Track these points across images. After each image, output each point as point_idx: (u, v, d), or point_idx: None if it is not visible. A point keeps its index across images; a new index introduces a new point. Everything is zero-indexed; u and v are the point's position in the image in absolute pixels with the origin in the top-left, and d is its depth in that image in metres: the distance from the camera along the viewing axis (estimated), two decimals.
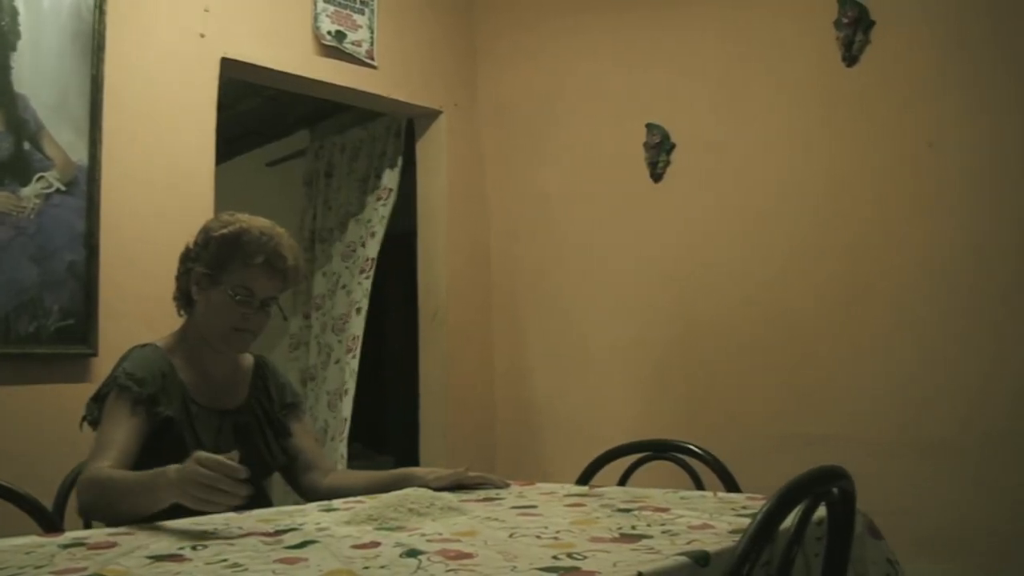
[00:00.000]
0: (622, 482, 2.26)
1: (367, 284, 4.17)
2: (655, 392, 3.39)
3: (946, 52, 2.74)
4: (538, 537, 1.33)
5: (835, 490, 1.29)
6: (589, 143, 3.67)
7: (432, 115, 3.95)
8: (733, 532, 1.33)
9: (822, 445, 2.84)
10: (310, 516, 1.63)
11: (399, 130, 4.25)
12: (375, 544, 1.32)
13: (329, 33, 3.45)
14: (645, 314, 3.44)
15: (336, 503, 1.79)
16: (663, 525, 1.42)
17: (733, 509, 1.58)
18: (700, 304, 3.29)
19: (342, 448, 4.02)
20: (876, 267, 2.85)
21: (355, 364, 4.12)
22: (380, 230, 4.18)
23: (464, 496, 1.84)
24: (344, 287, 4.40)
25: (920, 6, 2.80)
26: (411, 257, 4.08)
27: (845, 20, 2.93)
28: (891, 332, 2.80)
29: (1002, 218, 2.60)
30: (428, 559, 1.19)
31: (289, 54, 3.37)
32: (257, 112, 4.72)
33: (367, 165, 4.45)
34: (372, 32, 3.62)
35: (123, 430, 1.78)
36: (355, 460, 4.33)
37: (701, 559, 1.16)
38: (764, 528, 1.07)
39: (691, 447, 2.20)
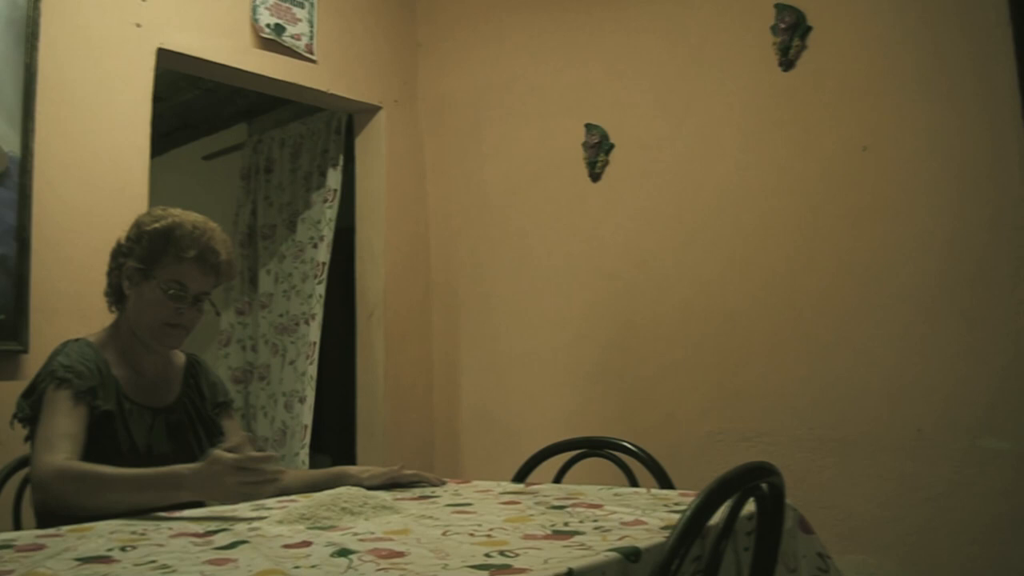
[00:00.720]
0: (557, 479, 2.27)
1: (320, 289, 4.12)
2: (592, 390, 3.41)
3: (881, 57, 2.80)
4: (471, 535, 1.33)
5: (764, 486, 1.31)
6: (529, 142, 3.68)
7: (372, 111, 3.92)
8: (664, 528, 1.35)
9: (756, 442, 2.90)
10: (242, 516, 1.61)
11: (339, 126, 4.21)
12: (306, 544, 1.31)
13: (268, 26, 3.41)
14: (583, 313, 3.46)
15: (269, 503, 1.77)
16: (596, 522, 1.43)
17: (665, 505, 1.59)
18: (638, 303, 3.32)
19: (303, 455, 3.97)
20: (810, 269, 2.90)
21: (313, 371, 4.07)
22: (329, 234, 4.13)
23: (398, 494, 1.83)
24: (295, 288, 4.36)
25: (856, 12, 2.85)
26: (349, 253, 4.05)
27: (782, 25, 2.98)
28: (823, 333, 2.85)
29: (935, 221, 2.66)
30: (359, 558, 1.18)
31: (227, 46, 3.32)
32: (194, 105, 4.65)
33: (309, 162, 4.41)
34: (312, 26, 3.58)
35: (72, 421, 1.75)
36: None
37: (632, 555, 1.17)
38: (693, 524, 1.09)
39: (625, 444, 2.22)
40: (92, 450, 1.74)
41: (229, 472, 1.60)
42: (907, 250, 2.71)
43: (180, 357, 2.09)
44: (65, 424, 1.75)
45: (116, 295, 1.99)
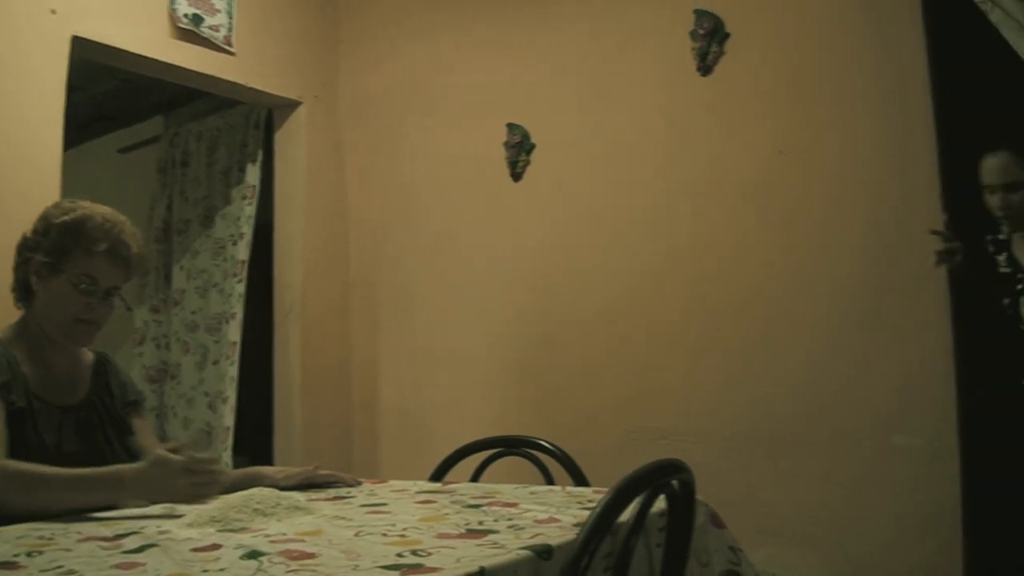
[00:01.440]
0: (475, 478, 2.27)
1: (240, 288, 4.03)
2: (513, 389, 3.42)
3: (796, 64, 2.87)
4: (384, 535, 1.33)
5: (674, 482, 1.33)
6: (452, 141, 3.68)
7: (291, 106, 3.87)
8: (577, 525, 1.36)
9: (674, 440, 2.94)
10: (151, 519, 1.58)
11: (259, 121, 4.14)
12: (216, 547, 1.29)
13: (186, 16, 3.34)
14: (504, 312, 3.47)
15: (179, 505, 1.74)
16: (510, 520, 1.43)
17: (580, 503, 1.61)
18: (559, 303, 3.34)
19: (226, 457, 3.88)
20: (726, 271, 2.96)
21: (234, 371, 3.98)
22: (248, 231, 4.05)
23: (312, 495, 1.81)
24: (216, 286, 4.26)
25: (773, 19, 2.92)
26: (267, 250, 3.99)
27: (701, 31, 3.03)
28: (740, 333, 2.92)
29: (849, 225, 2.74)
30: (269, 560, 1.17)
31: (144, 36, 3.24)
32: (110, 96, 4.54)
33: (227, 157, 4.32)
34: (231, 17, 3.52)
35: None
36: None
37: (544, 552, 1.18)
38: (602, 521, 1.10)
39: (542, 443, 2.23)
40: None
41: (178, 474, 1.60)
42: (821, 253, 2.78)
43: (89, 355, 2.04)
44: None
45: (23, 290, 1.92)
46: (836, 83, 2.79)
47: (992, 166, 2.19)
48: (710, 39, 3.02)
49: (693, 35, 3.05)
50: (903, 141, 2.62)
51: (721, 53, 3.02)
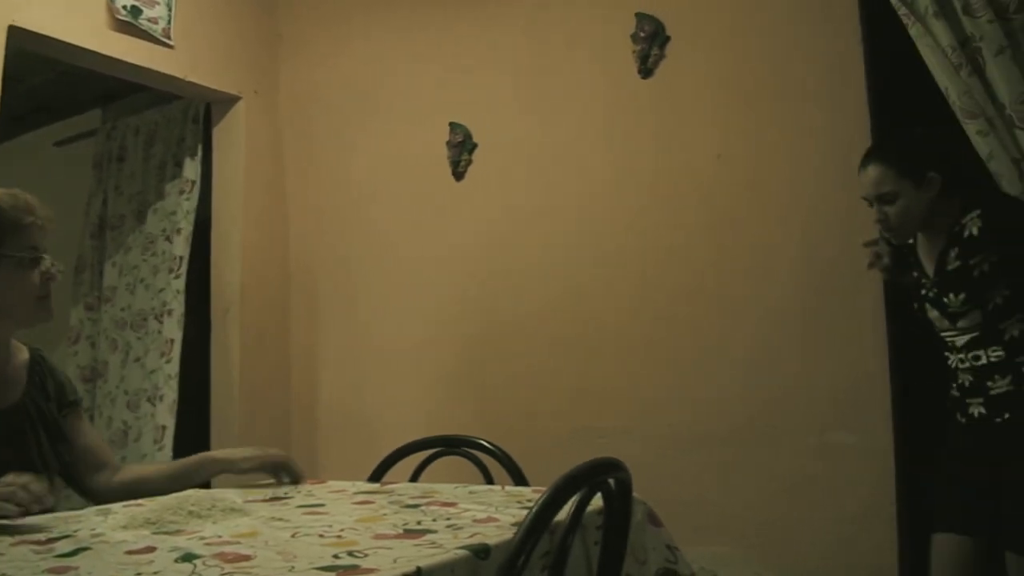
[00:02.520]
0: (414, 478, 2.26)
1: (177, 284, 3.94)
2: (454, 388, 3.42)
3: (735, 69, 2.92)
4: (321, 536, 1.32)
5: (611, 481, 1.35)
6: (394, 139, 3.66)
7: (230, 101, 3.83)
8: (515, 524, 1.37)
9: (614, 439, 2.97)
10: (86, 522, 1.55)
11: (197, 115, 4.07)
12: (150, 549, 1.27)
13: (124, 7, 3.28)
14: (445, 312, 3.47)
15: (114, 506, 1.71)
16: (448, 520, 1.44)
17: (519, 502, 1.61)
18: (500, 303, 3.35)
19: (161, 457, 3.78)
20: (667, 271, 3.00)
21: (171, 369, 3.87)
22: (187, 226, 3.97)
23: (249, 496, 1.79)
24: (143, 282, 4.17)
25: (713, 25, 2.97)
26: (205, 247, 3.93)
27: (642, 34, 3.06)
28: (680, 333, 2.96)
29: (786, 228, 2.78)
30: (204, 563, 1.16)
31: (81, 27, 3.18)
32: (47, 87, 4.44)
33: (164, 151, 4.24)
34: (170, 10, 3.47)
35: None
36: None
37: (481, 552, 1.18)
38: (539, 519, 1.11)
39: (482, 442, 2.24)
40: None
41: None
42: (760, 255, 2.83)
43: (23, 353, 1.98)
44: None
45: None
46: (775, 88, 2.84)
47: (864, 179, 2.22)
48: (651, 42, 3.05)
49: (634, 38, 3.07)
50: (842, 145, 2.67)
51: (662, 56, 3.05)
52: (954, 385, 2.19)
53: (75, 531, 1.44)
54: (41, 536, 1.40)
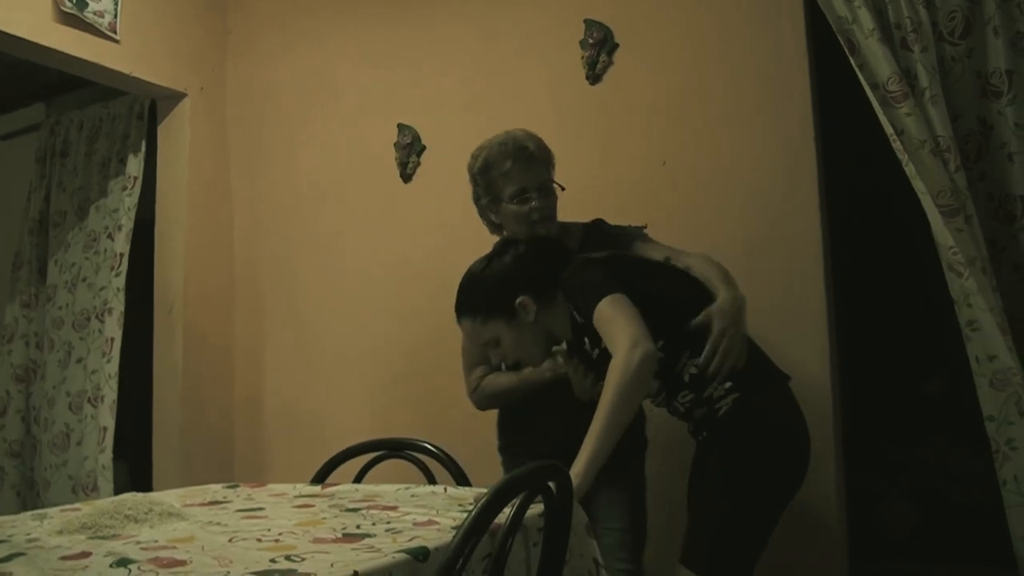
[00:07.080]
0: (358, 480, 2.26)
1: (118, 282, 3.86)
2: (400, 391, 3.40)
3: (682, 78, 2.94)
4: (259, 540, 1.31)
5: (552, 484, 1.36)
6: (342, 140, 3.63)
7: (176, 97, 3.76)
8: (456, 527, 1.37)
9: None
10: (21, 527, 1.52)
11: (143, 111, 4.00)
12: (85, 554, 1.26)
13: (70, 0, 3.21)
14: (392, 314, 3.45)
15: (50, 511, 1.68)
16: (388, 523, 1.43)
17: (460, 505, 1.62)
18: (447, 305, 3.29)
19: (103, 459, 3.71)
20: None
21: (112, 368, 3.80)
22: (128, 223, 3.89)
23: (187, 500, 1.77)
24: (86, 280, 4.09)
25: (660, 32, 2.99)
26: (148, 246, 3.86)
27: (591, 40, 3.08)
28: None
29: (729, 239, 2.80)
30: (139, 568, 1.15)
31: (24, 18, 3.10)
32: None
33: (108, 147, 4.16)
34: (116, 3, 3.40)
35: None
36: None
37: (420, 555, 1.18)
38: (478, 522, 1.11)
39: (425, 445, 2.24)
40: None
41: None
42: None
43: None
44: None
45: None
46: (721, 96, 2.87)
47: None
48: (599, 48, 3.07)
49: (583, 44, 3.09)
50: (787, 153, 2.70)
51: (610, 63, 3.07)
52: None
53: (9, 536, 1.42)
54: None
